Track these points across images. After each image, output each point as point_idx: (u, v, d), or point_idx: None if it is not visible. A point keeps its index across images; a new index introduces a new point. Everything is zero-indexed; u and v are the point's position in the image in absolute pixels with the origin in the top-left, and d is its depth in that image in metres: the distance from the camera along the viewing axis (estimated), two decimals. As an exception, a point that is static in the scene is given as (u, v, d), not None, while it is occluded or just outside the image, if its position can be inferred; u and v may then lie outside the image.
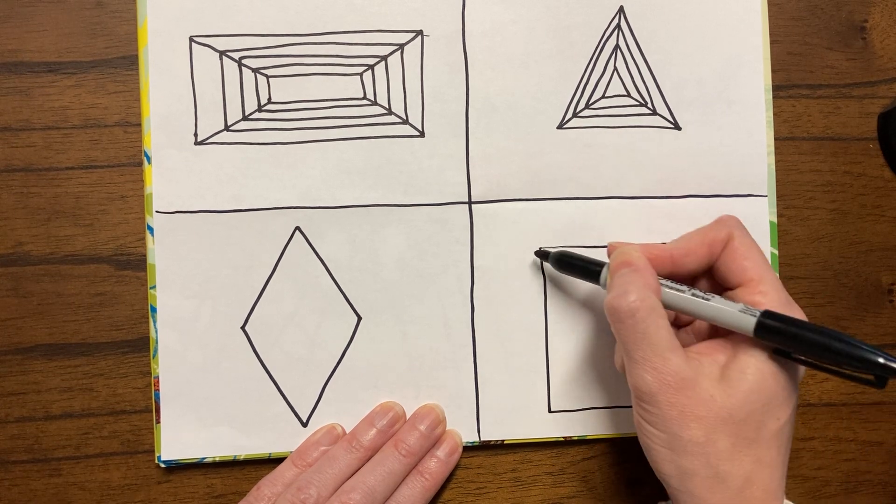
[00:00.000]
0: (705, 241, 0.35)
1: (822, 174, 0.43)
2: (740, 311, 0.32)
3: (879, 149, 0.43)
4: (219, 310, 0.39)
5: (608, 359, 0.41)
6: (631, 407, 0.40)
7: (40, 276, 0.39)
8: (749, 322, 0.32)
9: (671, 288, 0.34)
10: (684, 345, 0.34)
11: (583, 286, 0.41)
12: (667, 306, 0.34)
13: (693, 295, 0.34)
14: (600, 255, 0.41)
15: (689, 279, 0.36)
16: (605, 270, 0.36)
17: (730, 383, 0.32)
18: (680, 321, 0.38)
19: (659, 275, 0.35)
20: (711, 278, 0.37)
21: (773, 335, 0.31)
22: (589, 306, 0.41)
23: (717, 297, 0.33)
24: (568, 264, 0.38)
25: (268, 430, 0.39)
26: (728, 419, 0.31)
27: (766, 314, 0.32)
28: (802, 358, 0.32)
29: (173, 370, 0.39)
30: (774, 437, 0.32)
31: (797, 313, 0.33)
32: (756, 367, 0.32)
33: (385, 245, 0.40)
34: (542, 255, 0.40)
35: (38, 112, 0.39)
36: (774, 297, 0.33)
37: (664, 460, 0.32)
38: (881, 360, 0.29)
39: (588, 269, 0.37)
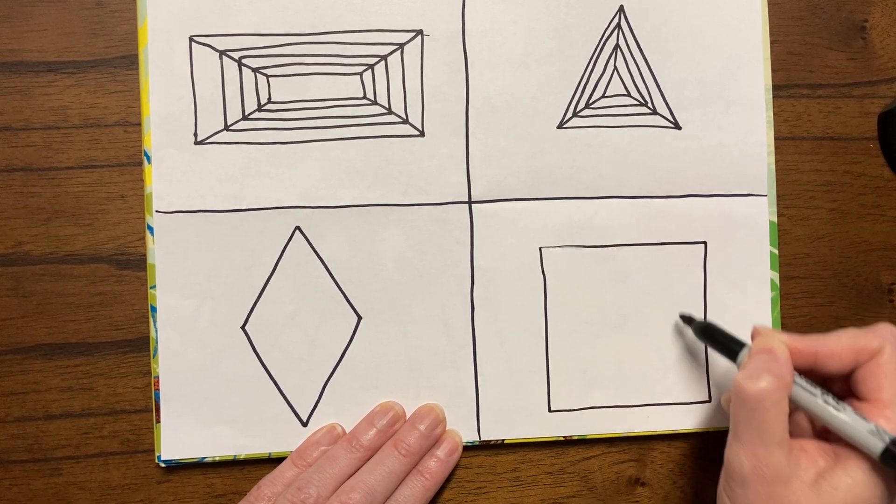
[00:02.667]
0: (854, 348, 0.34)
1: (822, 174, 0.43)
2: (870, 431, 0.32)
3: (879, 148, 0.43)
4: (219, 310, 0.39)
5: (608, 359, 0.41)
6: (632, 406, 0.41)
7: (40, 276, 0.39)
8: (876, 446, 0.31)
9: (804, 388, 0.34)
10: (798, 429, 0.35)
11: (582, 288, 0.41)
12: (796, 403, 0.34)
13: (825, 402, 0.33)
14: (602, 255, 0.41)
15: (829, 377, 0.36)
16: (743, 351, 0.36)
17: (819, 494, 0.31)
18: None
19: (798, 368, 0.34)
20: (846, 380, 0.35)
21: None
22: (589, 306, 0.41)
23: (848, 409, 0.33)
24: (710, 335, 0.38)
25: (268, 429, 0.39)
26: None
27: None
28: None
29: (173, 370, 0.39)
30: None
31: None
32: (849, 488, 0.31)
33: (385, 245, 0.40)
34: (686, 320, 0.40)
35: (38, 112, 0.39)
36: None
37: None
38: None
39: (728, 346, 0.37)
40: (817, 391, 0.34)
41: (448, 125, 0.40)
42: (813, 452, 0.33)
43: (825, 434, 0.35)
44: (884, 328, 0.35)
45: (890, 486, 0.32)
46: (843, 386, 0.36)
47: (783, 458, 0.32)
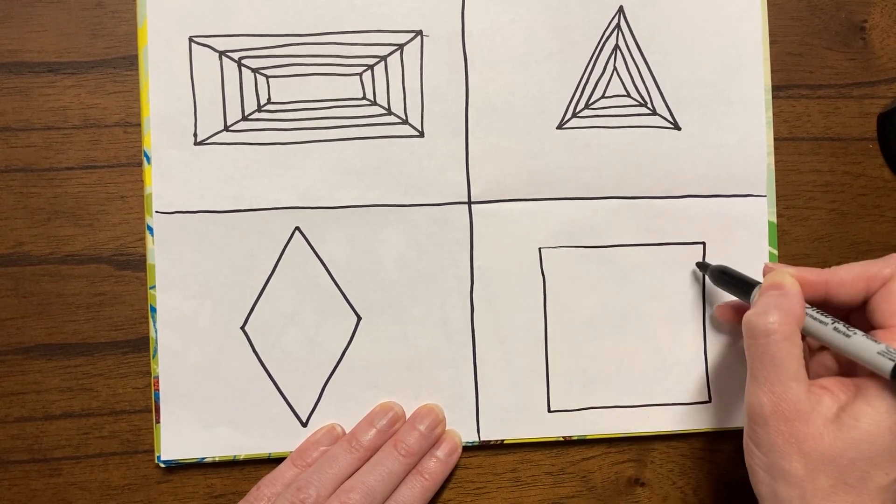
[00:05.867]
0: (865, 275, 0.34)
1: (821, 174, 0.43)
2: (879, 351, 0.31)
3: (879, 149, 0.43)
4: (219, 310, 0.39)
5: (608, 359, 0.41)
6: (631, 406, 0.41)
7: (40, 276, 0.39)
8: (886, 365, 0.31)
9: (814, 318, 0.34)
10: (824, 370, 0.34)
11: (582, 288, 0.41)
12: (808, 334, 0.34)
13: (835, 329, 0.33)
14: (602, 255, 0.41)
15: (844, 309, 0.36)
16: (756, 290, 0.36)
17: (841, 426, 0.31)
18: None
19: (810, 300, 0.34)
20: (864, 312, 0.35)
21: None
22: (589, 307, 0.41)
23: (859, 333, 0.32)
24: (724, 279, 0.38)
25: (268, 430, 0.39)
26: (831, 461, 0.31)
27: None
28: None
29: (173, 370, 0.39)
30: (880, 491, 0.31)
31: None
32: (871, 417, 0.31)
33: (385, 245, 0.40)
34: (702, 266, 0.40)
35: (38, 112, 0.39)
36: None
37: (762, 482, 0.32)
38: None
39: (742, 285, 0.37)
40: (828, 319, 0.33)
41: (448, 125, 0.40)
42: (834, 389, 0.32)
43: (849, 371, 0.34)
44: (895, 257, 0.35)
45: None
46: (861, 318, 0.36)
47: (801, 393, 0.31)
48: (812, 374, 0.37)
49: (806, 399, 0.31)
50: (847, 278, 0.35)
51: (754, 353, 0.33)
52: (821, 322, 0.33)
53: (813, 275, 0.35)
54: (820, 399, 0.32)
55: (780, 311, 0.32)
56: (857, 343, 0.32)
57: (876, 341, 0.32)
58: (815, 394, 0.32)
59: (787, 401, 0.31)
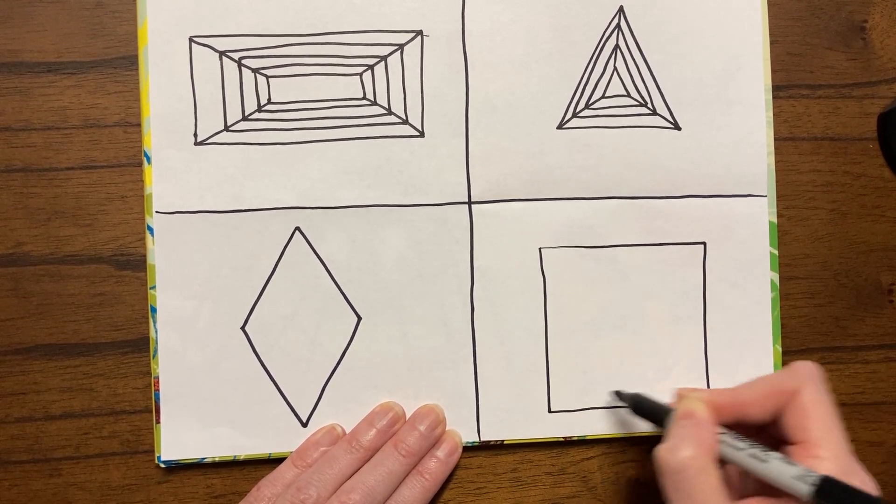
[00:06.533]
0: (772, 392, 0.34)
1: (822, 174, 0.43)
2: (794, 476, 0.31)
3: (879, 149, 0.43)
4: (219, 310, 0.39)
5: (608, 359, 0.41)
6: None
7: (40, 276, 0.39)
8: (803, 489, 0.30)
9: (729, 444, 0.33)
10: (752, 481, 0.34)
11: (582, 288, 0.41)
12: (726, 460, 0.33)
13: (751, 455, 0.32)
14: (602, 255, 0.41)
15: (758, 427, 0.35)
16: (670, 417, 0.35)
17: None
18: None
19: (725, 423, 0.34)
20: (780, 428, 0.35)
21: None
22: (589, 307, 0.41)
23: (775, 457, 0.32)
24: (640, 408, 0.38)
25: (268, 430, 0.39)
26: None
27: (825, 483, 0.30)
28: None
29: (173, 370, 0.39)
30: None
31: (860, 481, 0.31)
32: None
33: (385, 245, 0.40)
34: (617, 395, 0.40)
35: (38, 112, 0.39)
36: (832, 464, 0.31)
37: None
38: None
39: (656, 414, 0.37)
40: (744, 444, 0.33)
41: (448, 125, 0.40)
42: None
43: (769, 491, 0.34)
44: (800, 367, 0.35)
45: None
46: (776, 432, 0.35)
47: None
48: (741, 488, 0.36)
49: None
50: (755, 397, 0.34)
51: (670, 489, 0.32)
52: (736, 448, 0.33)
53: (724, 397, 0.35)
54: None
55: (692, 445, 0.32)
56: (774, 468, 0.32)
57: (791, 464, 0.31)
58: None
59: None
